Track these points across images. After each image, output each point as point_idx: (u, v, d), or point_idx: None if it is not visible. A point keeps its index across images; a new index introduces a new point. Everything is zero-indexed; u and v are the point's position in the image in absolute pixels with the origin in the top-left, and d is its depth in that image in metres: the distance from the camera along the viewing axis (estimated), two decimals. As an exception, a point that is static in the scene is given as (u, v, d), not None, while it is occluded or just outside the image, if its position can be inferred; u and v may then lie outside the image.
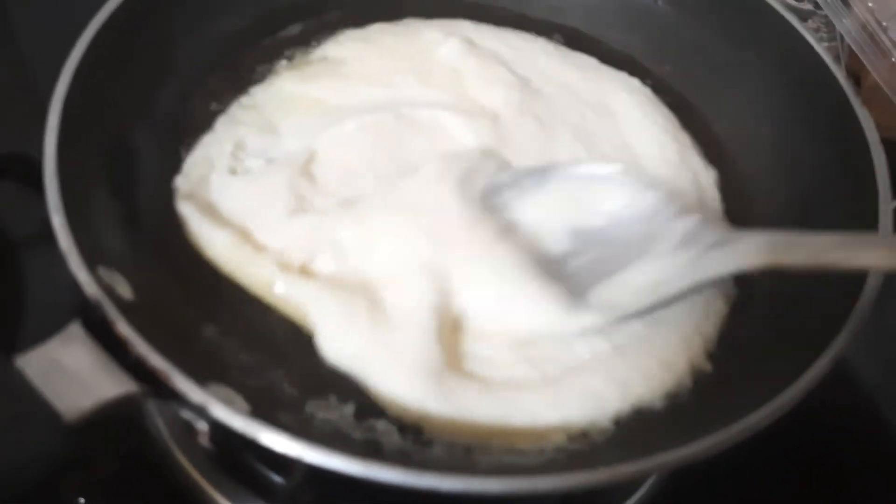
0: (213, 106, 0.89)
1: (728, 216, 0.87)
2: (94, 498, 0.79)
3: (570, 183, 0.81)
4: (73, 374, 0.59)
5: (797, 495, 0.88)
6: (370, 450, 0.67)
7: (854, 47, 1.06)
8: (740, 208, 0.88)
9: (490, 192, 0.80)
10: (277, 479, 0.78)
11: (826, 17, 1.14)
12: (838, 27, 1.09)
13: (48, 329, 0.61)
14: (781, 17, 0.94)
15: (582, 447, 0.70)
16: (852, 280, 0.71)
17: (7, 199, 0.98)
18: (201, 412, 0.59)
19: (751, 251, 0.70)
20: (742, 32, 0.98)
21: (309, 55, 0.97)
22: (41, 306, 0.90)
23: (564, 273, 0.77)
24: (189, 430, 0.80)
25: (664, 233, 0.76)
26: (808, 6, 1.25)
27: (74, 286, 0.65)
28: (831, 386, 0.66)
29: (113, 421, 0.61)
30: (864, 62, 1.05)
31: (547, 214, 0.80)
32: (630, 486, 0.83)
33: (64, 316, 0.63)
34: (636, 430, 0.71)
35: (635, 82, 0.97)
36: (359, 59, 0.95)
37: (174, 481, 0.82)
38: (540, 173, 0.81)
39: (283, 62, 0.96)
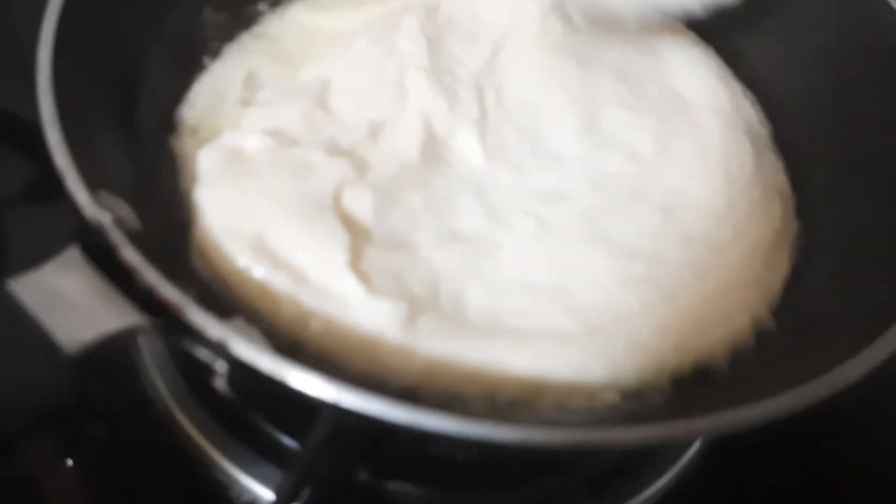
0: (222, 35, 0.81)
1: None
2: (83, 458, 0.71)
3: None
4: (72, 303, 0.51)
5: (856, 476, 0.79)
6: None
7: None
8: (798, 167, 0.80)
9: None
10: (291, 442, 0.69)
11: None
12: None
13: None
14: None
15: (636, 407, 0.62)
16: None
17: None
18: (219, 350, 0.51)
19: None
20: None
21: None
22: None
23: None
24: (191, 385, 0.72)
25: None
26: None
27: (72, 209, 0.56)
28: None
29: (110, 362, 0.52)
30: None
31: None
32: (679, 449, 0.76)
33: None
34: (696, 391, 0.64)
35: (679, 25, 0.89)
36: None
37: (172, 442, 0.74)
38: None
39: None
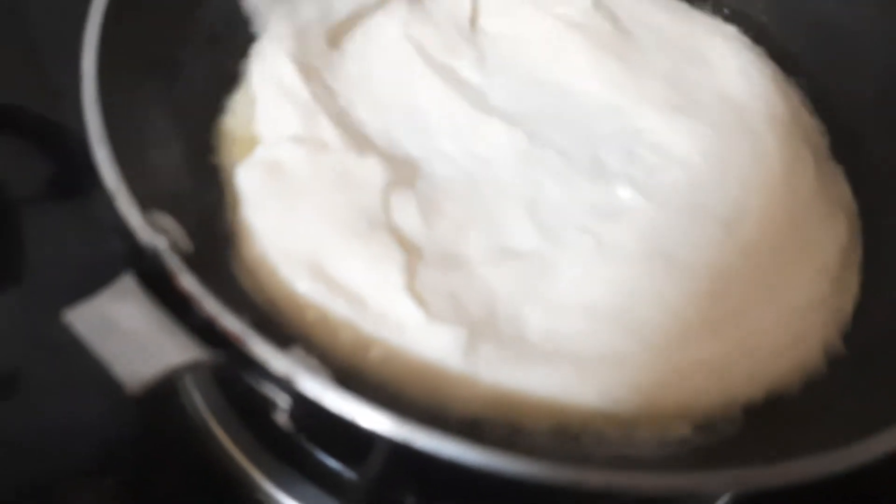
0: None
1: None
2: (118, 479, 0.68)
3: None
4: (130, 335, 0.48)
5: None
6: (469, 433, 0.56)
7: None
8: (859, 180, 0.77)
9: None
10: (346, 470, 0.66)
11: None
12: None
13: (52, 299, 0.50)
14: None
15: (708, 440, 0.60)
16: None
17: (5, 155, 0.85)
18: (284, 385, 0.48)
19: None
20: None
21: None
22: (43, 273, 0.78)
23: None
24: (231, 404, 0.70)
25: None
26: None
27: (123, 232, 0.53)
28: None
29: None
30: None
31: None
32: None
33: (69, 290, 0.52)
34: (770, 422, 0.61)
35: (731, 29, 0.86)
36: None
37: (212, 463, 0.71)
38: None
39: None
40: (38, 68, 0.77)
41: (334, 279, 0.60)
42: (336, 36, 0.79)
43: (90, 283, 0.51)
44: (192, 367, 0.49)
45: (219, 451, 0.72)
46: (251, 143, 0.70)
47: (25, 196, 0.84)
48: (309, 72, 0.73)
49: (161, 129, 0.65)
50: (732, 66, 0.82)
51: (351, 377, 0.57)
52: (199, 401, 0.73)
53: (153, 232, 0.53)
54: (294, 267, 0.60)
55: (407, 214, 0.66)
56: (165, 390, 0.51)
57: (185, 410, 0.73)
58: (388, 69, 0.77)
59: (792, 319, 0.66)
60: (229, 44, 0.75)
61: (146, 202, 0.55)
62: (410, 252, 0.64)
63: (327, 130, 0.69)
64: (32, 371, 0.53)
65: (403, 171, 0.70)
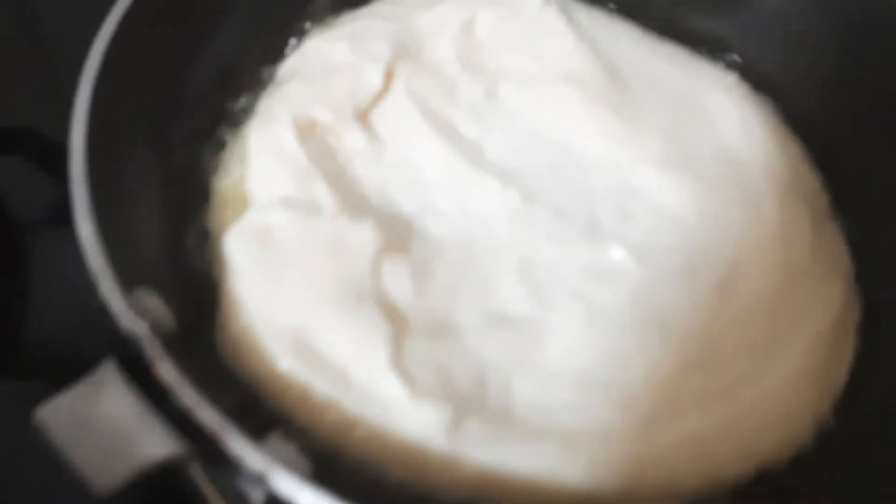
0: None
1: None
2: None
3: None
4: (105, 431, 0.48)
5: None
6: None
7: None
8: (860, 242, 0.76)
9: None
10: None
11: None
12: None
13: (56, 329, 0.50)
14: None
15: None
16: None
17: (13, 178, 0.85)
18: (259, 481, 0.48)
19: None
20: (853, 19, 0.84)
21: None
22: (50, 301, 0.78)
23: None
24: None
25: None
26: None
27: (103, 311, 0.53)
28: None
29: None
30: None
31: None
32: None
33: (75, 313, 0.52)
34: (757, 499, 0.60)
35: (732, 79, 0.85)
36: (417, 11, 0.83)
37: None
38: None
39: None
40: (52, 89, 0.77)
41: (319, 355, 0.60)
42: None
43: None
44: (167, 463, 0.48)
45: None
46: (242, 204, 0.70)
47: (32, 218, 0.85)
48: (308, 130, 0.73)
49: (150, 196, 0.65)
50: (732, 120, 0.80)
51: (334, 458, 0.57)
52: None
53: (134, 316, 0.52)
54: (278, 342, 0.60)
55: (398, 282, 0.66)
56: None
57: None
58: (387, 124, 0.76)
59: (783, 393, 0.65)
60: (219, 106, 0.74)
61: (130, 280, 0.55)
62: (398, 323, 0.63)
63: (321, 192, 0.69)
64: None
65: (397, 232, 0.70)
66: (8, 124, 0.84)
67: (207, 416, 0.49)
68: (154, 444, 0.49)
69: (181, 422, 0.50)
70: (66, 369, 0.51)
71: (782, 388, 0.65)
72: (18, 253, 0.82)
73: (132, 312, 0.53)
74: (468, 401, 0.61)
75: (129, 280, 0.55)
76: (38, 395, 0.50)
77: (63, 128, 0.73)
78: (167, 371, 0.51)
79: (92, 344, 0.54)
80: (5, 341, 0.73)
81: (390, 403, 0.59)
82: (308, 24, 0.83)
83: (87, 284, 0.54)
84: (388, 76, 0.77)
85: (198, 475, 0.59)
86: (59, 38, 0.95)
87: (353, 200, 0.70)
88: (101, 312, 0.54)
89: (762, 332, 0.68)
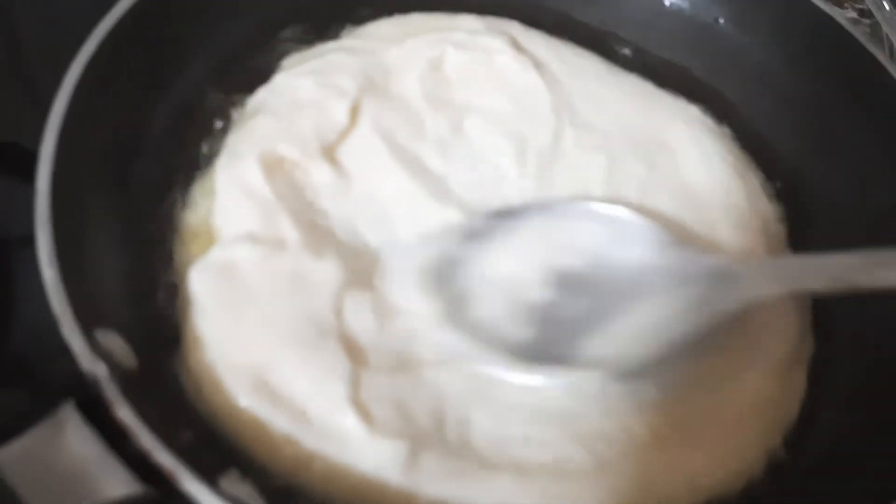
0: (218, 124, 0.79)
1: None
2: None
3: (546, 223, 0.72)
4: (63, 472, 0.50)
5: None
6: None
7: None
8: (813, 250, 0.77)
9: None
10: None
11: (871, 26, 1.04)
12: (891, 37, 1.00)
13: (41, 348, 0.51)
14: (850, 36, 0.83)
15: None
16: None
17: None
18: (214, 522, 0.50)
19: (761, 280, 0.65)
20: (808, 53, 0.87)
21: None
22: (34, 318, 0.79)
23: (550, 325, 0.67)
24: None
25: (660, 271, 0.68)
26: (852, 14, 1.14)
27: (67, 352, 0.55)
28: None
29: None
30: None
31: (524, 263, 0.71)
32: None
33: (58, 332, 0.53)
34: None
35: (694, 110, 0.87)
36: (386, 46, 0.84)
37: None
38: (513, 217, 0.73)
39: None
40: (33, 104, 0.78)
41: (278, 393, 0.61)
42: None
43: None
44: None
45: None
46: (209, 239, 0.71)
47: (14, 233, 0.85)
48: (275, 166, 0.74)
49: (115, 234, 0.66)
50: (692, 155, 0.82)
51: (291, 495, 0.59)
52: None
53: (94, 359, 0.54)
54: (238, 379, 0.62)
55: (360, 317, 0.67)
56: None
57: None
58: (354, 159, 0.77)
59: (736, 428, 0.67)
60: (188, 142, 0.75)
61: (92, 321, 0.57)
62: (358, 359, 0.65)
63: (286, 228, 0.70)
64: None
65: (361, 266, 0.71)
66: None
67: (164, 458, 0.51)
68: (112, 484, 0.50)
69: (139, 463, 0.51)
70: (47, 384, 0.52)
71: (735, 423, 0.67)
72: (0, 268, 0.83)
73: (92, 355, 0.54)
74: (426, 435, 0.62)
75: (90, 321, 0.56)
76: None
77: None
78: (125, 414, 0.52)
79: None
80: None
81: (348, 440, 0.60)
82: (277, 58, 0.84)
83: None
84: (355, 111, 0.78)
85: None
86: (41, 53, 0.96)
87: (319, 235, 0.72)
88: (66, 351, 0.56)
89: (718, 365, 0.69)
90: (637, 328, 0.67)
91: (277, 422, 0.61)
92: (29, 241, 0.84)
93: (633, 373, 0.65)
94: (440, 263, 0.70)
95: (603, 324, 0.67)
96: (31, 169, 0.60)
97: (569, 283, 0.70)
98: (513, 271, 0.70)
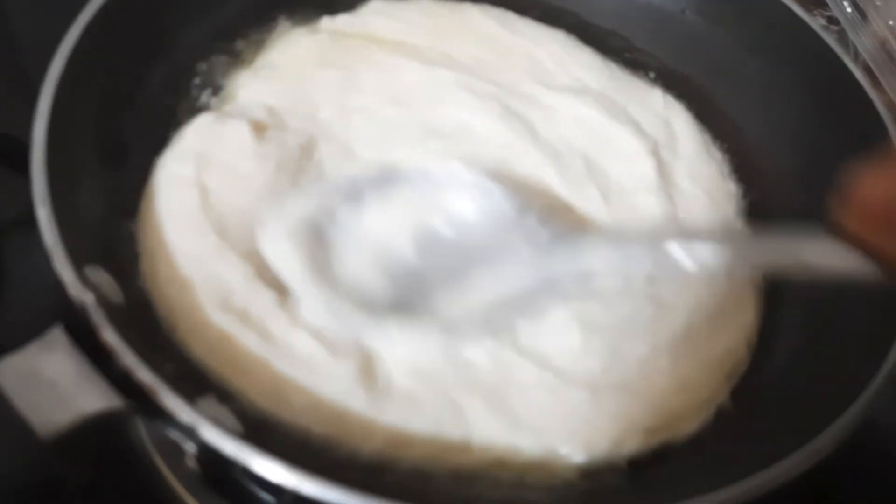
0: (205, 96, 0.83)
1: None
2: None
3: (414, 189, 0.75)
4: (51, 385, 0.54)
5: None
6: (372, 476, 0.61)
7: (870, 63, 1.02)
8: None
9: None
10: (268, 498, 0.72)
11: (839, 32, 1.09)
12: (855, 42, 1.05)
13: (30, 325, 0.56)
14: (810, 29, 0.88)
15: (594, 486, 0.65)
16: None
17: None
18: (189, 433, 0.54)
19: (603, 253, 0.69)
20: (770, 43, 0.92)
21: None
22: (23, 299, 0.83)
23: (412, 285, 0.71)
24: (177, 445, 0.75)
25: (515, 235, 0.72)
26: (821, 21, 1.19)
27: (58, 285, 0.59)
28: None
29: (93, 434, 0.55)
30: (880, 79, 1.01)
31: (390, 225, 0.74)
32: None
33: (46, 312, 0.58)
34: (654, 471, 0.66)
35: (656, 92, 0.91)
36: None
37: (159, 499, 0.76)
38: (392, 181, 0.76)
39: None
40: (25, 95, 0.81)
41: (244, 310, 0.66)
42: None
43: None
44: (108, 415, 0.54)
45: (161, 484, 0.77)
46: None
47: (3, 220, 0.89)
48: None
49: (106, 181, 0.71)
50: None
51: (266, 419, 0.63)
52: (145, 435, 0.79)
53: (83, 288, 0.58)
54: (207, 295, 0.66)
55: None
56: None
57: (133, 444, 0.78)
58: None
59: (691, 382, 0.71)
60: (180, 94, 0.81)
61: (82, 258, 0.61)
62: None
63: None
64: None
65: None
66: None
67: (145, 375, 0.55)
68: (96, 397, 0.54)
69: (121, 380, 0.55)
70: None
71: (690, 374, 0.71)
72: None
73: (81, 284, 0.58)
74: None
75: (79, 257, 0.60)
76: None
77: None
78: (110, 336, 0.56)
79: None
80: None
81: (312, 363, 0.65)
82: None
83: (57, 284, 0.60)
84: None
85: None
86: (31, 44, 1.00)
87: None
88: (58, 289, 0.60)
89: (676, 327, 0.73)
90: (482, 285, 0.71)
91: (248, 342, 0.64)
92: (18, 227, 0.88)
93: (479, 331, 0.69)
94: (315, 217, 0.73)
95: (453, 281, 0.71)
96: (20, 157, 0.64)
97: (430, 244, 0.73)
98: (383, 232, 0.74)
